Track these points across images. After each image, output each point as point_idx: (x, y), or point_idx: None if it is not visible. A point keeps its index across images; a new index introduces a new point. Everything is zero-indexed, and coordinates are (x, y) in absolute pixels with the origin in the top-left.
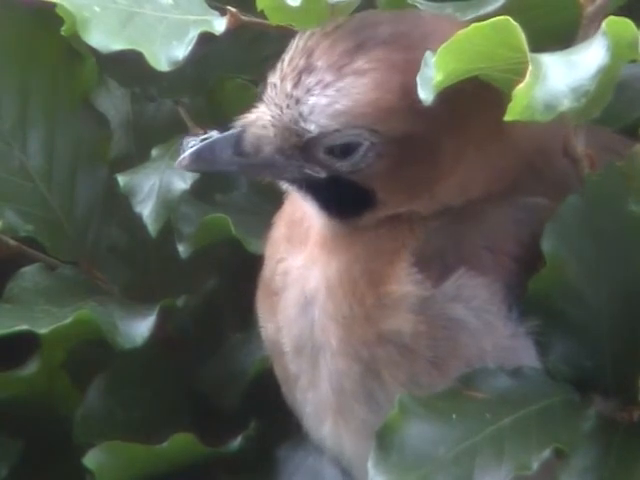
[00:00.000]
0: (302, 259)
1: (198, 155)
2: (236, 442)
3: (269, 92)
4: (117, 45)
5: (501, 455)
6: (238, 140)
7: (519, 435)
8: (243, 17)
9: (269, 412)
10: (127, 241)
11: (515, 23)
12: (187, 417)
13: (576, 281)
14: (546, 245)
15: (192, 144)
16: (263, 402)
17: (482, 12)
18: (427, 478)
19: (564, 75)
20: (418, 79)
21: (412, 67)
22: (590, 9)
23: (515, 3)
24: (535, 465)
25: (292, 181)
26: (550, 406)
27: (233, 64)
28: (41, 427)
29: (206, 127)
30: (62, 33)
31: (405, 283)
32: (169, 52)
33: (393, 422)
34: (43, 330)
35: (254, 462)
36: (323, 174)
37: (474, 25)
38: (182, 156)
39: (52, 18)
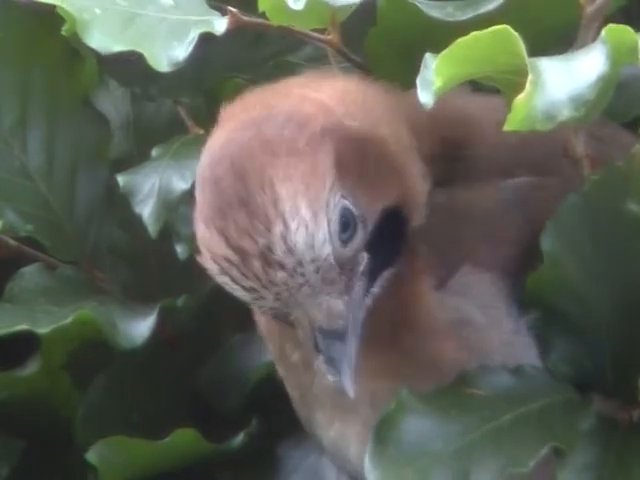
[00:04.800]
0: None
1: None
2: (238, 439)
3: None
4: (118, 46)
5: (498, 452)
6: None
7: (518, 433)
8: (244, 17)
9: (270, 410)
10: (127, 241)
11: (515, 33)
12: (187, 417)
13: (576, 281)
14: (546, 244)
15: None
16: (264, 401)
17: (482, 11)
18: (423, 472)
19: (564, 84)
20: (417, 82)
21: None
22: (590, 9)
23: (514, 2)
24: (531, 463)
25: (369, 281)
26: (550, 405)
27: (233, 64)
28: (41, 427)
29: (206, 127)
30: (63, 33)
31: (431, 306)
32: (170, 53)
33: (391, 417)
34: (43, 330)
35: (255, 460)
36: (365, 254)
37: (474, 34)
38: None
39: (52, 18)
